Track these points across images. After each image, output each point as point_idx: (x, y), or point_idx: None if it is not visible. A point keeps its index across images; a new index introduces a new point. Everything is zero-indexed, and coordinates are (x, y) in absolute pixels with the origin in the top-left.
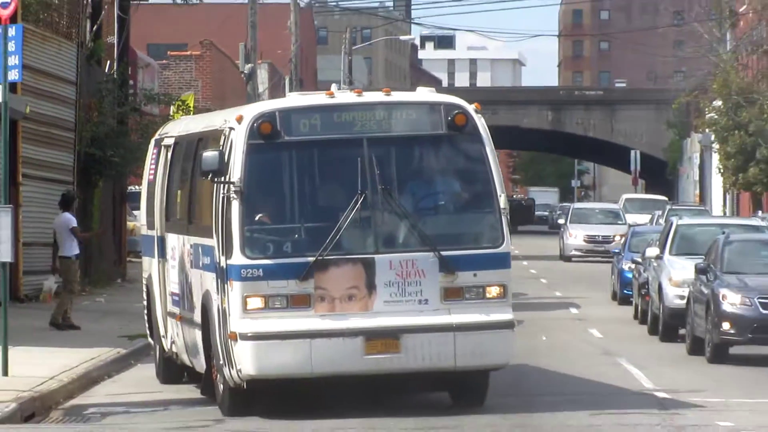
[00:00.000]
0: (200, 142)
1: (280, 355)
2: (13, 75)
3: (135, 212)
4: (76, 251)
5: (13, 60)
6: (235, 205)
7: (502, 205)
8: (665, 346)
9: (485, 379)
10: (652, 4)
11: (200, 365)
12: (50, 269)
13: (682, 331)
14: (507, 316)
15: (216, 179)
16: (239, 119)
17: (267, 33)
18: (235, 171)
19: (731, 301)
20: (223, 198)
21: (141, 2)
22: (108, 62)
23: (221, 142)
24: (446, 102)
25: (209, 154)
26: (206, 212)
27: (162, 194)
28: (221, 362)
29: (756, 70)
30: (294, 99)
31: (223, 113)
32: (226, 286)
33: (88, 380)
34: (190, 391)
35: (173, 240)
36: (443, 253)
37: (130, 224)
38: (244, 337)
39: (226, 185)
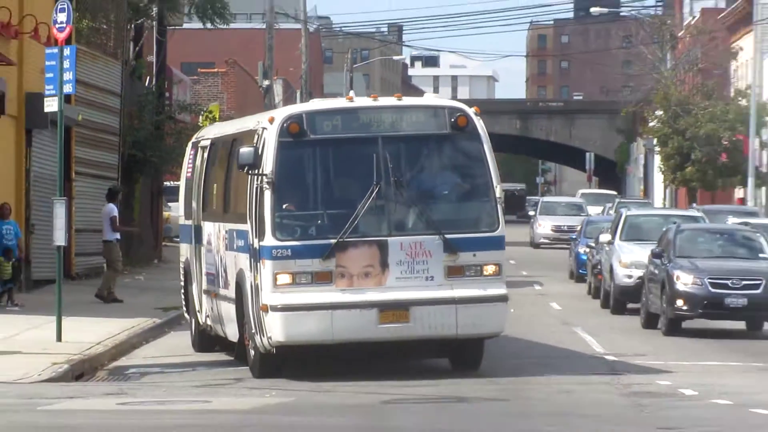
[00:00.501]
0: (235, 142)
1: (305, 324)
2: (68, 88)
3: (170, 204)
4: (117, 236)
5: (67, 75)
6: (268, 194)
7: (497, 195)
8: (615, 318)
9: (481, 347)
10: (605, 30)
11: (233, 334)
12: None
13: (630, 306)
14: (501, 290)
15: (251, 172)
16: (271, 120)
17: (282, 54)
18: (268, 165)
19: (684, 281)
20: (256, 188)
21: (176, 27)
22: (147, 77)
23: (255, 141)
24: (450, 106)
25: (245, 150)
26: (241, 201)
27: (199, 188)
28: (253, 331)
29: (691, 86)
30: (318, 103)
31: (256, 116)
32: (258, 264)
33: (129, 345)
34: (218, 357)
35: (209, 227)
36: (447, 236)
37: (165, 214)
38: (275, 308)
39: (260, 177)
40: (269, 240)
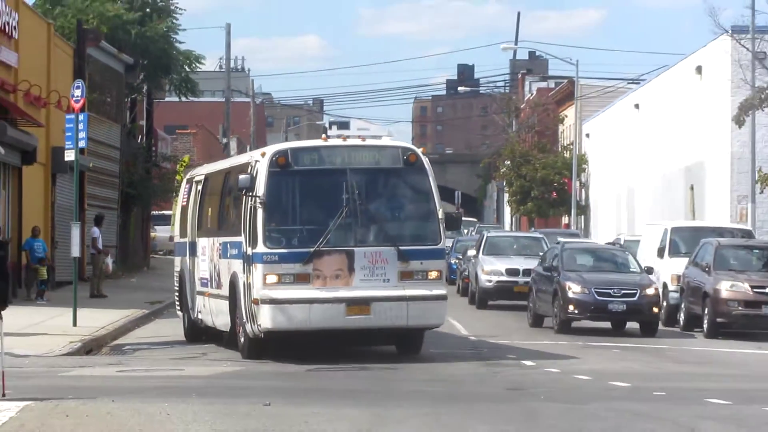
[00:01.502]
0: (228, 175)
1: (288, 315)
2: (81, 144)
3: (156, 227)
4: (97, 250)
5: (81, 134)
6: (260, 212)
7: (440, 216)
8: (479, 311)
9: (421, 336)
10: (469, 103)
11: (224, 324)
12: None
13: (490, 303)
14: (442, 291)
15: (248, 193)
16: (263, 154)
17: (236, 119)
18: (260, 189)
19: (574, 290)
20: (250, 207)
21: (160, 100)
22: (139, 136)
23: (249, 170)
24: (403, 146)
25: (244, 176)
26: (234, 219)
27: (194, 213)
28: (244, 320)
29: (530, 143)
30: (300, 142)
31: (247, 154)
32: (251, 267)
33: (125, 329)
34: (198, 342)
35: (203, 242)
36: (400, 247)
37: (152, 234)
38: (264, 301)
39: (254, 198)
40: (261, 248)
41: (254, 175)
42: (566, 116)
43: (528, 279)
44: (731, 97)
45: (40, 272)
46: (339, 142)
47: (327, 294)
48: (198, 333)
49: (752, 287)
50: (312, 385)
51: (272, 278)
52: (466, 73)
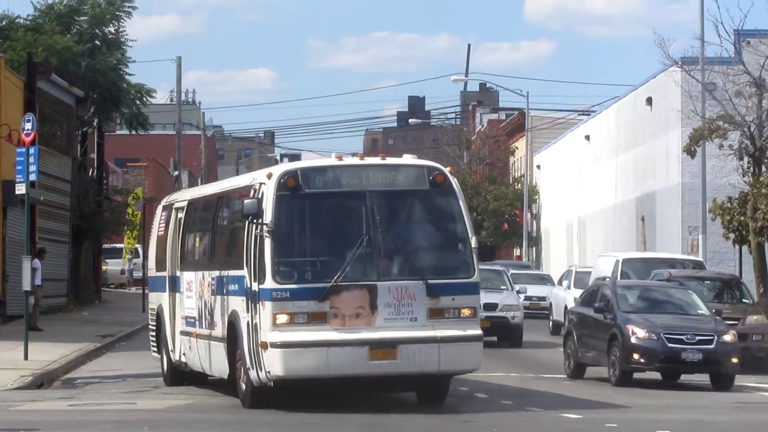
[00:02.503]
0: (222, 199)
1: (303, 360)
2: (32, 177)
3: (108, 260)
4: (38, 282)
5: (32, 168)
6: (267, 242)
7: (473, 245)
8: None
9: (448, 382)
10: (420, 135)
11: (219, 370)
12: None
13: None
14: (477, 331)
15: (254, 221)
16: (269, 176)
17: (187, 152)
18: (267, 215)
19: (639, 335)
20: (256, 236)
21: (111, 133)
22: (90, 169)
23: (251, 195)
24: (428, 165)
25: (249, 201)
26: (233, 250)
27: (175, 243)
28: (248, 366)
29: (482, 175)
30: (311, 161)
31: (248, 175)
32: (258, 305)
33: (77, 362)
34: (144, 371)
35: (189, 276)
36: (429, 281)
37: (104, 267)
38: (274, 345)
39: (260, 226)
40: (269, 283)
41: (259, 199)
42: (517, 148)
43: (491, 313)
44: (681, 128)
45: None
46: (355, 161)
47: (347, 336)
48: (180, 377)
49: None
50: (263, 419)
51: (283, 318)
52: (416, 105)
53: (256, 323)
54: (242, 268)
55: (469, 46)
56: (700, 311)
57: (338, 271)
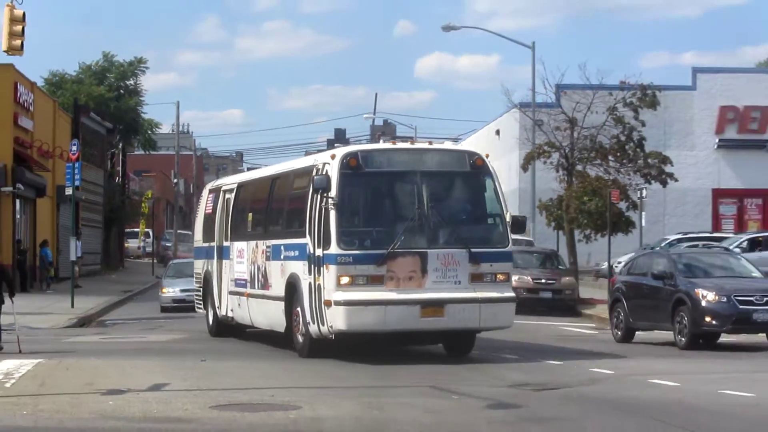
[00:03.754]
0: (278, 180)
1: (364, 316)
2: (77, 183)
3: (129, 240)
4: (79, 254)
5: (77, 177)
6: (332, 213)
7: (507, 219)
8: None
9: (473, 338)
10: None
11: (275, 324)
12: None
13: None
14: (511, 294)
15: (323, 194)
16: (332, 157)
17: (183, 166)
18: (332, 190)
19: (709, 299)
20: (321, 209)
21: (131, 153)
22: (117, 177)
23: (313, 173)
24: (469, 151)
25: (319, 177)
26: (293, 223)
27: (224, 219)
28: (307, 321)
29: None
30: (369, 145)
31: (309, 157)
32: (321, 269)
33: (107, 309)
34: (150, 315)
35: (240, 246)
36: (472, 249)
37: (126, 245)
38: (338, 303)
39: (326, 200)
40: (334, 249)
41: (326, 175)
42: None
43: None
44: (519, 151)
45: (49, 271)
46: (407, 145)
47: (402, 296)
48: (224, 329)
49: (532, 279)
50: (241, 349)
51: (345, 279)
52: (340, 134)
53: (319, 284)
54: (304, 237)
55: (376, 94)
56: (754, 274)
57: (394, 240)
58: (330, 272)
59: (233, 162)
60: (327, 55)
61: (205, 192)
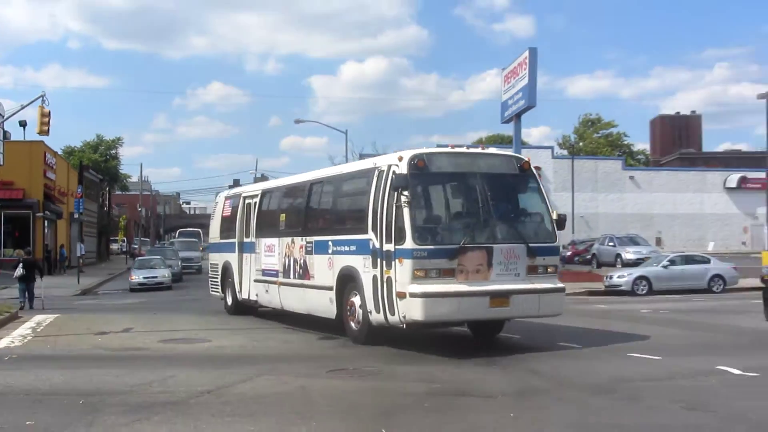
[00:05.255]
0: (317, 185)
1: (440, 307)
2: (81, 210)
3: (112, 244)
4: (83, 252)
5: (81, 207)
6: (406, 210)
7: (554, 217)
8: None
9: (503, 323)
10: None
11: (320, 311)
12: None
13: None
14: (562, 284)
15: (400, 192)
16: (400, 158)
17: (144, 201)
18: (405, 189)
19: None
20: (391, 206)
21: (115, 192)
22: (105, 207)
23: (376, 177)
24: (515, 156)
25: (399, 177)
26: (349, 220)
27: (244, 220)
28: (369, 310)
29: None
30: (429, 148)
31: (368, 160)
32: (393, 262)
33: (99, 284)
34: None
35: (269, 241)
36: (530, 244)
37: (111, 246)
38: (415, 295)
39: (399, 197)
40: (410, 244)
41: (398, 175)
42: None
43: None
44: None
45: (64, 263)
46: (464, 149)
47: (472, 287)
48: (241, 309)
49: None
50: (193, 307)
51: (421, 273)
52: (236, 182)
53: (388, 277)
54: (364, 233)
55: (257, 159)
56: None
57: (463, 236)
58: (404, 266)
59: (174, 198)
60: (230, 136)
61: (221, 199)
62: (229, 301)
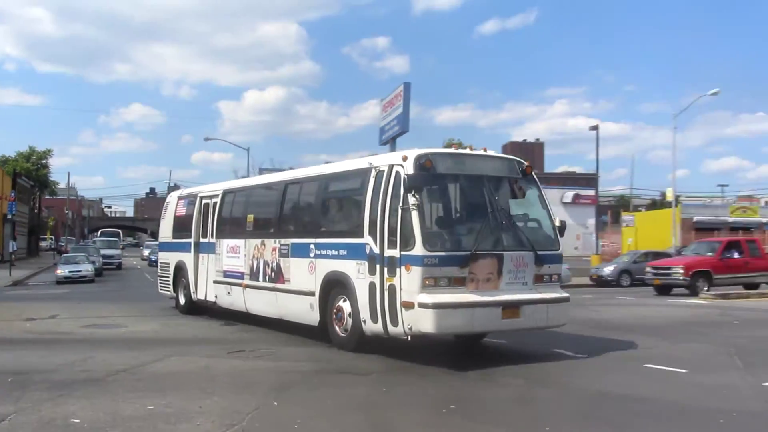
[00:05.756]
0: (295, 186)
1: (453, 319)
2: (14, 212)
3: (42, 242)
4: (15, 248)
5: (14, 209)
6: (415, 214)
7: (557, 224)
8: None
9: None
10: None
11: (298, 317)
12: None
13: None
14: (566, 294)
15: (411, 194)
16: (404, 158)
17: (71, 204)
18: (412, 191)
19: None
20: (400, 209)
21: (43, 196)
22: (36, 210)
23: (371, 177)
24: (518, 159)
25: (416, 176)
26: (339, 223)
27: (200, 220)
28: (362, 319)
29: None
30: (434, 149)
31: (363, 159)
32: (398, 270)
33: (29, 276)
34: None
35: (233, 242)
36: (537, 252)
37: (41, 243)
38: (424, 305)
39: (407, 199)
40: (420, 250)
41: (406, 177)
42: None
43: None
44: None
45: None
46: (468, 151)
47: (485, 298)
48: (195, 309)
49: None
50: (121, 296)
51: (431, 281)
52: (152, 191)
53: (391, 285)
54: (358, 237)
55: (170, 171)
56: None
57: (474, 242)
58: (412, 274)
59: (97, 203)
60: (148, 150)
61: (173, 199)
62: (182, 300)
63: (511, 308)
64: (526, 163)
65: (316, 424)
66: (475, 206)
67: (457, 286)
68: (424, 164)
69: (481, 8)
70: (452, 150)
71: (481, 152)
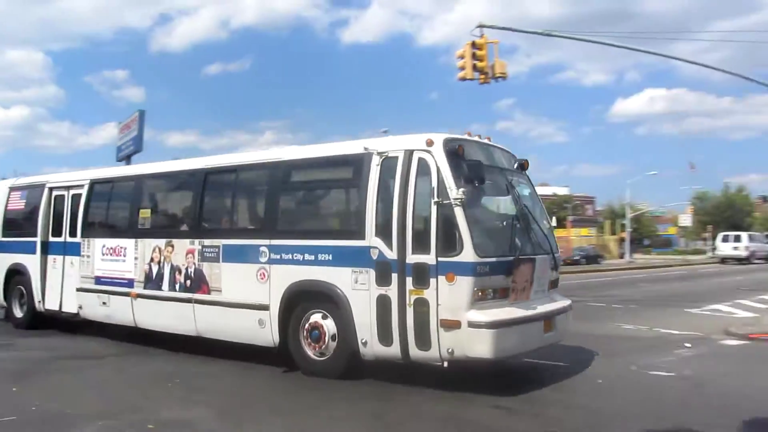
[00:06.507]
0: (212, 176)
1: (510, 339)
2: None
3: None
4: None
5: None
6: (459, 211)
7: (553, 224)
8: None
9: None
10: None
11: (241, 336)
12: None
13: None
14: (569, 300)
15: (460, 186)
16: (430, 142)
17: None
18: (450, 183)
19: None
20: (438, 204)
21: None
22: None
23: (379, 165)
24: (511, 153)
25: (473, 164)
26: (312, 221)
27: (51, 216)
28: (363, 340)
29: None
30: (455, 135)
31: (339, 145)
32: (435, 280)
33: None
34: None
35: (116, 243)
36: (555, 255)
37: None
38: (477, 325)
39: (447, 193)
40: (470, 256)
41: (424, 166)
42: None
43: None
44: None
45: None
46: (478, 139)
47: (530, 311)
48: (42, 322)
49: None
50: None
51: (479, 294)
52: None
53: (421, 298)
54: (360, 239)
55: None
56: None
57: (518, 245)
58: (459, 285)
59: None
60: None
61: (3, 190)
62: (19, 312)
63: (548, 320)
64: (522, 159)
65: None
66: (506, 203)
67: (500, 298)
68: (456, 150)
69: (207, 53)
70: (468, 137)
71: (492, 142)
